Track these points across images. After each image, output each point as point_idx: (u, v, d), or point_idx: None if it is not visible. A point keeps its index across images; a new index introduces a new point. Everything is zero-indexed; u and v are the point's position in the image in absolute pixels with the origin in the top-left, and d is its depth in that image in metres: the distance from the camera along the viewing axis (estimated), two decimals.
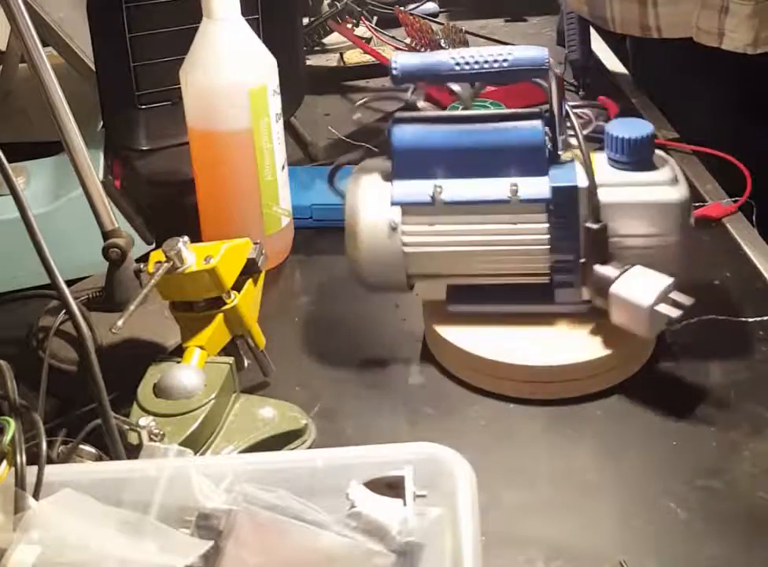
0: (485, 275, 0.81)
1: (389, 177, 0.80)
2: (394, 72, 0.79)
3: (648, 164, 0.78)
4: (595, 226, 0.76)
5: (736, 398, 0.78)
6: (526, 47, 0.80)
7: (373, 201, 0.80)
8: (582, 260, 0.78)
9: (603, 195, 0.76)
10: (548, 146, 0.78)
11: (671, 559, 0.65)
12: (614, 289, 0.76)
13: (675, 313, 0.74)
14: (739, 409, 0.76)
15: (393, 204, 0.79)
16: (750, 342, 0.83)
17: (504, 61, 0.78)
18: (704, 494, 0.69)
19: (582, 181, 0.77)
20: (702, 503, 0.69)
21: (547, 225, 0.78)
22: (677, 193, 0.77)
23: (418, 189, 0.79)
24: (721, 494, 0.69)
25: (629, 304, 0.75)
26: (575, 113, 0.79)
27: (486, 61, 0.78)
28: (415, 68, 0.79)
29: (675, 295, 0.75)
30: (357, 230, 0.80)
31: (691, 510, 0.68)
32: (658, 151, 0.80)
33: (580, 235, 0.77)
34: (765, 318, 0.84)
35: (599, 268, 0.77)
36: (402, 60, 0.79)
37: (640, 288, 0.75)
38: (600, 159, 0.79)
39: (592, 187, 0.76)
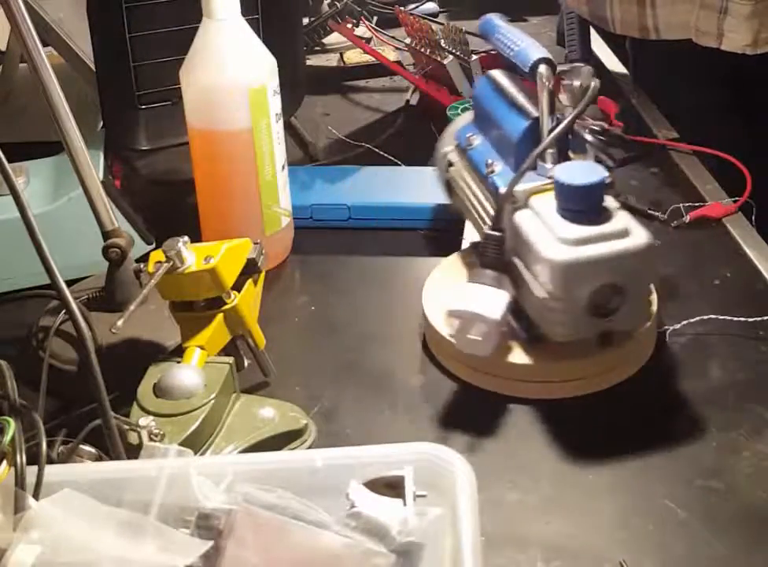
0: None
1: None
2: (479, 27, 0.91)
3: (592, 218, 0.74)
4: (491, 232, 0.78)
5: (736, 398, 0.78)
6: (532, 45, 0.81)
7: (453, 130, 0.92)
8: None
9: (520, 217, 0.76)
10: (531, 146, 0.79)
11: (671, 559, 0.65)
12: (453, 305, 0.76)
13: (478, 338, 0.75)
14: (739, 409, 0.76)
15: (454, 138, 0.91)
16: (750, 342, 0.83)
17: (511, 50, 0.83)
18: (704, 494, 0.69)
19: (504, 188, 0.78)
20: (702, 503, 0.69)
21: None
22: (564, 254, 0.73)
23: (465, 135, 0.88)
24: (721, 494, 0.69)
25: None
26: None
27: (506, 44, 0.84)
28: (483, 28, 0.91)
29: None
30: (440, 147, 0.93)
31: (691, 510, 0.68)
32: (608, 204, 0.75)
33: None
34: (765, 318, 0.84)
35: (479, 270, 0.78)
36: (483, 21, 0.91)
37: (474, 299, 0.75)
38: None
39: (506, 197, 0.77)
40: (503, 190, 0.78)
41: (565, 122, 0.77)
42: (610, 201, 0.75)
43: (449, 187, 0.92)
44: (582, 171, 0.74)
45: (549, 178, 0.77)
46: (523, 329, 0.79)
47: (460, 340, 0.76)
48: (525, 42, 0.82)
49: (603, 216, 0.73)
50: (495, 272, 0.77)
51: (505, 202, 0.77)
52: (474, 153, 0.86)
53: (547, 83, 0.78)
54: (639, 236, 0.73)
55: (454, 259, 0.91)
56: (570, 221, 0.73)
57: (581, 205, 0.73)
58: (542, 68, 0.79)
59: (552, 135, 0.77)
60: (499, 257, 0.77)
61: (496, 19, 0.90)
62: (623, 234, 0.73)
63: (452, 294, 0.77)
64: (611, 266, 0.72)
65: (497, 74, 0.87)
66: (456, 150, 0.90)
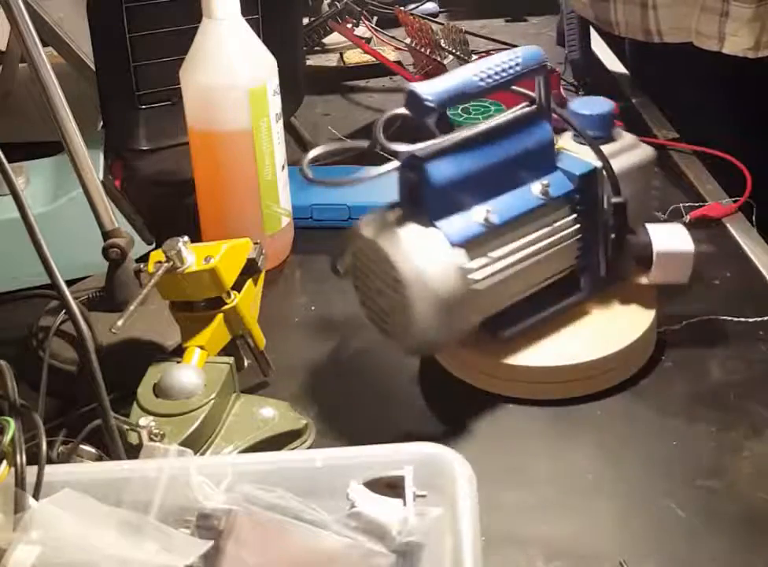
0: (533, 286, 0.79)
1: (423, 222, 0.73)
2: (430, 104, 0.71)
3: (610, 138, 0.84)
4: (620, 199, 0.80)
5: (736, 398, 0.78)
6: (523, 48, 0.80)
7: (428, 252, 0.72)
8: (613, 236, 0.80)
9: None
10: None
11: (671, 559, 0.65)
12: (658, 248, 0.80)
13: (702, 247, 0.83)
14: (739, 409, 0.76)
15: (453, 245, 0.73)
16: (750, 342, 0.83)
17: (517, 65, 0.75)
18: (704, 494, 0.69)
19: (595, 162, 0.80)
20: (702, 503, 0.69)
21: (574, 216, 0.80)
22: (648, 151, 0.85)
23: (466, 222, 0.74)
24: (721, 494, 0.69)
25: (677, 256, 0.81)
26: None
27: (503, 69, 0.75)
28: (447, 95, 0.72)
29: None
30: (421, 289, 0.71)
31: (691, 510, 0.68)
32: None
33: (604, 214, 0.80)
34: (765, 318, 0.85)
35: (632, 238, 0.81)
36: (428, 90, 0.71)
37: (676, 239, 0.82)
38: (565, 139, 0.84)
39: (607, 166, 0.79)
40: (597, 163, 0.80)
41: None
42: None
43: (469, 304, 0.74)
44: (593, 104, 0.85)
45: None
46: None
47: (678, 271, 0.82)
48: (512, 52, 0.77)
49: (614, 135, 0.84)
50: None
51: (611, 166, 0.80)
52: (501, 216, 0.75)
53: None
54: (646, 148, 0.85)
55: None
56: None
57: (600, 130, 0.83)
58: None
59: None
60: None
61: (436, 88, 0.73)
62: (635, 145, 0.85)
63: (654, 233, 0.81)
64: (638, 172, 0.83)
65: (428, 145, 0.73)
66: (465, 254, 0.74)
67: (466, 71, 0.74)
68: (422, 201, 0.73)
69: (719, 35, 1.09)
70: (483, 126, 0.76)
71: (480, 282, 0.74)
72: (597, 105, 0.85)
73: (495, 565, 0.64)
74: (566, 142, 0.83)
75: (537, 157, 0.78)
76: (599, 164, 0.80)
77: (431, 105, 0.71)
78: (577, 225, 0.80)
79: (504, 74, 0.75)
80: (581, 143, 0.82)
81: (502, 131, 0.77)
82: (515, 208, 0.76)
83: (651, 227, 0.81)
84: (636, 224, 0.81)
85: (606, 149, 0.81)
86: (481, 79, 0.74)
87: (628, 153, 0.83)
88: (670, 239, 0.81)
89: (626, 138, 0.85)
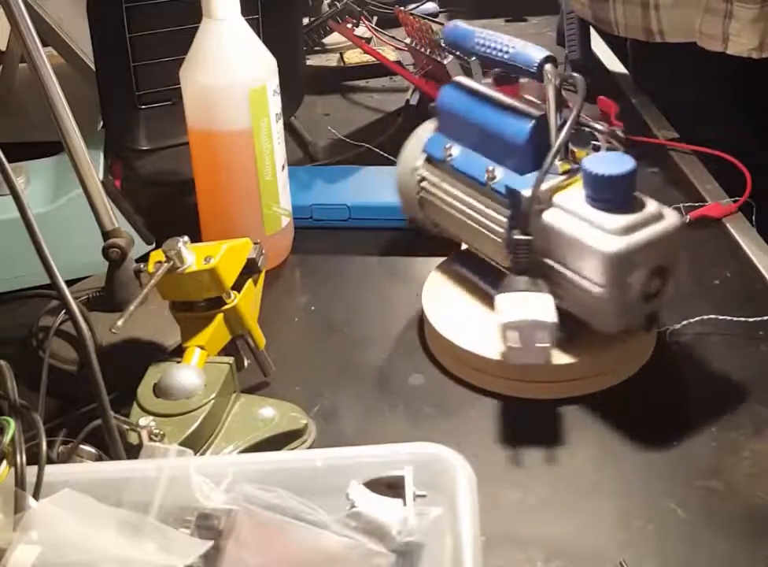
0: (468, 243, 0.88)
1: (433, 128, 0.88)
2: (445, 39, 0.90)
3: (625, 207, 0.74)
4: (521, 237, 0.76)
5: (736, 398, 0.78)
6: (529, 46, 0.80)
7: (414, 145, 0.89)
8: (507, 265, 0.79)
9: (555, 218, 0.75)
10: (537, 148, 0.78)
11: (671, 559, 0.65)
12: (497, 297, 0.75)
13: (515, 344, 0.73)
14: (739, 409, 0.76)
15: (422, 151, 0.87)
16: (750, 342, 0.83)
17: (506, 53, 0.81)
18: (704, 494, 0.69)
19: (528, 190, 0.76)
20: (702, 503, 0.69)
21: (506, 219, 0.79)
22: (615, 244, 0.72)
23: (440, 145, 0.86)
24: (721, 494, 0.69)
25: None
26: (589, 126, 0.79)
27: (495, 48, 0.82)
28: (453, 37, 0.88)
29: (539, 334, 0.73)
30: (400, 164, 0.90)
31: (691, 510, 0.68)
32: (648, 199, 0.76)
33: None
34: (765, 318, 0.84)
35: (512, 278, 0.76)
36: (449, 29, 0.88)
37: (516, 307, 0.74)
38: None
39: (532, 200, 0.76)
40: (526, 192, 0.76)
41: (572, 116, 0.77)
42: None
43: (421, 203, 0.89)
44: (611, 161, 0.75)
45: (563, 174, 0.77)
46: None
47: (520, 352, 0.74)
48: (518, 43, 0.81)
49: (633, 203, 0.74)
50: (529, 277, 0.76)
51: (532, 204, 0.76)
52: (459, 164, 0.84)
53: (554, 80, 0.78)
54: (671, 217, 0.75)
55: (453, 259, 0.91)
56: (605, 212, 0.74)
57: (615, 195, 0.74)
58: (548, 67, 0.79)
59: (565, 129, 0.76)
60: (530, 261, 0.76)
61: (463, 24, 0.88)
62: (659, 217, 0.74)
63: (499, 306, 0.75)
64: (658, 249, 0.74)
65: (466, 80, 0.87)
66: (427, 164, 0.87)
67: (477, 32, 0.86)
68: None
69: (723, 36, 1.09)
70: (500, 94, 0.84)
71: (422, 191, 0.88)
72: (616, 162, 0.74)
73: (495, 565, 0.64)
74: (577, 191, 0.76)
75: (508, 148, 0.80)
76: (527, 193, 0.76)
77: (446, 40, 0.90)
78: (503, 229, 0.79)
79: (494, 53, 0.82)
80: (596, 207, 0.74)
81: (498, 104, 0.82)
82: (467, 167, 0.83)
83: (528, 293, 0.75)
84: (596, 319, 0.76)
85: (630, 219, 0.73)
86: (477, 43, 0.85)
87: (648, 226, 0.73)
88: (516, 302, 0.74)
89: (649, 207, 0.74)
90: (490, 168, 0.80)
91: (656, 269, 0.74)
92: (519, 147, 0.79)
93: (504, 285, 0.76)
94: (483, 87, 0.85)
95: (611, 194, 0.74)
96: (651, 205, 0.75)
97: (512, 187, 0.78)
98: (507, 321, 0.73)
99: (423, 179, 0.87)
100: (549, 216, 0.76)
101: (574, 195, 0.76)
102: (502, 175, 0.80)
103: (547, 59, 0.79)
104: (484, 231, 0.82)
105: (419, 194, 0.88)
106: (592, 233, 0.73)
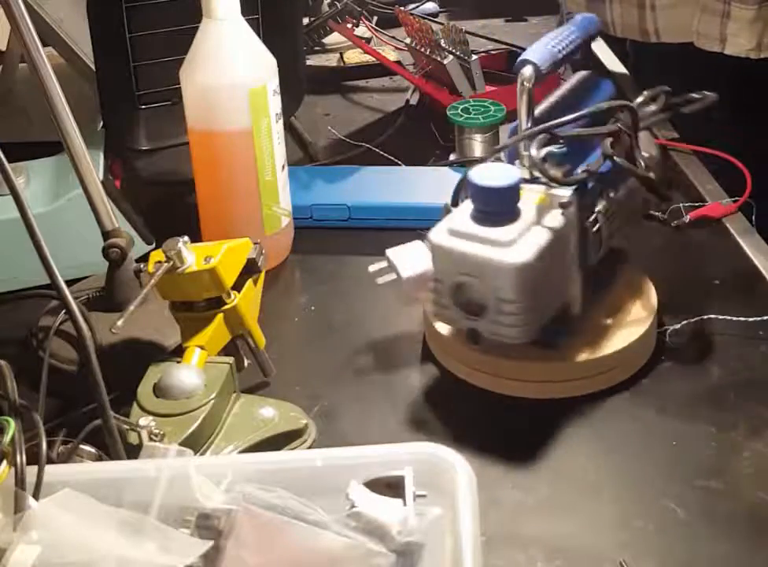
0: None
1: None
2: (542, 70, 0.78)
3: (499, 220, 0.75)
4: None
5: (736, 398, 0.78)
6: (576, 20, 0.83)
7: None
8: None
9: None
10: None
11: (671, 559, 0.65)
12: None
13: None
14: (739, 409, 0.76)
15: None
16: (750, 342, 0.83)
17: (576, 36, 0.83)
18: (704, 494, 0.69)
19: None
20: (702, 503, 0.69)
21: None
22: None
23: None
24: (721, 494, 0.69)
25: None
26: None
27: (570, 41, 0.82)
28: (549, 62, 0.80)
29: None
30: None
31: (691, 510, 0.68)
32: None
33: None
34: (765, 318, 0.84)
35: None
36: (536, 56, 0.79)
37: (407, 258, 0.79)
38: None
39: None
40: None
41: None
42: (527, 212, 0.75)
43: None
44: (497, 173, 0.75)
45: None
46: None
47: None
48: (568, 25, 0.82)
49: (507, 221, 0.74)
50: None
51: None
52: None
53: (527, 85, 0.78)
54: (517, 254, 0.72)
55: None
56: (477, 222, 0.75)
57: (487, 207, 0.75)
58: (525, 70, 0.78)
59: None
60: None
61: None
62: (506, 244, 0.73)
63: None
64: (472, 266, 0.74)
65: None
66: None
67: (547, 40, 0.82)
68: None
69: (720, 36, 1.09)
70: None
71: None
72: (499, 175, 0.74)
73: (495, 565, 0.64)
74: None
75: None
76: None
77: (543, 71, 0.79)
78: None
79: (571, 45, 0.82)
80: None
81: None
82: None
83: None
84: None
85: (473, 228, 0.74)
86: (558, 51, 0.81)
87: (489, 246, 0.73)
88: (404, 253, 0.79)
89: (510, 232, 0.73)
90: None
91: (466, 286, 0.75)
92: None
93: None
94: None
95: (481, 205, 0.75)
96: (512, 233, 0.74)
97: None
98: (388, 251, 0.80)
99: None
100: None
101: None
102: None
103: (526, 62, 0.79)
104: None
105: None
106: (442, 229, 0.76)
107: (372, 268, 0.82)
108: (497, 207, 0.75)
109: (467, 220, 0.76)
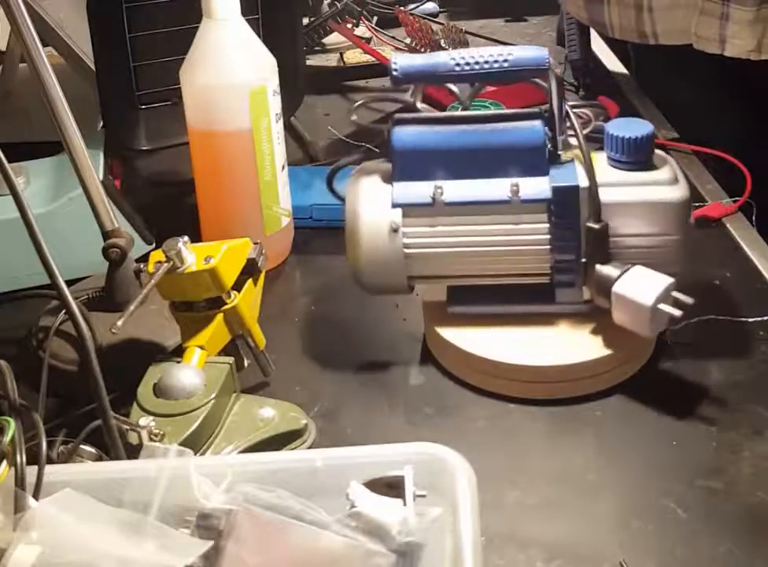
0: (486, 275, 0.81)
1: (389, 179, 0.80)
2: (395, 73, 0.78)
3: (648, 164, 0.78)
4: (596, 226, 0.76)
5: (736, 398, 0.78)
6: (525, 47, 0.80)
7: (373, 203, 0.79)
8: (583, 260, 0.78)
9: (604, 195, 0.76)
10: (548, 146, 0.78)
11: (671, 559, 0.65)
12: (616, 288, 0.76)
13: (677, 312, 0.74)
14: (739, 409, 0.76)
15: (394, 206, 0.79)
16: (750, 342, 0.83)
17: (505, 61, 0.78)
18: (704, 494, 0.69)
19: (583, 181, 0.76)
20: (702, 503, 0.69)
21: (548, 225, 0.78)
22: (677, 192, 0.77)
23: (419, 190, 0.79)
24: (721, 494, 0.69)
25: (632, 303, 0.75)
26: (575, 113, 0.79)
27: (486, 62, 0.78)
28: (415, 70, 0.79)
29: (676, 294, 0.75)
30: (357, 232, 0.79)
31: (691, 510, 0.68)
32: (658, 151, 0.79)
33: (581, 234, 0.77)
34: (765, 318, 0.84)
35: (600, 268, 0.77)
36: (402, 61, 0.79)
37: (642, 287, 0.75)
38: (600, 159, 0.78)
39: (593, 187, 0.76)
40: (583, 182, 0.76)
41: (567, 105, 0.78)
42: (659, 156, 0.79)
43: (408, 264, 0.79)
44: (633, 125, 0.78)
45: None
46: None
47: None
48: (508, 49, 0.79)
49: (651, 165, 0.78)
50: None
51: (596, 189, 0.76)
52: (458, 197, 0.78)
53: (557, 70, 0.78)
54: (682, 187, 0.77)
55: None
56: (640, 171, 0.77)
57: (641, 156, 0.77)
58: (552, 61, 0.78)
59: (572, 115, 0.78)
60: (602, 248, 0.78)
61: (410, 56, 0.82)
62: (670, 182, 0.77)
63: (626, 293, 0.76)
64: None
65: (411, 115, 0.81)
66: (407, 218, 0.79)
67: (445, 54, 0.79)
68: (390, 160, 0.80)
69: (720, 38, 1.09)
70: (475, 113, 0.80)
71: (411, 247, 0.79)
72: (635, 126, 0.78)
73: (495, 565, 0.64)
74: (599, 158, 0.79)
75: (521, 156, 0.78)
76: (585, 183, 0.76)
77: (396, 74, 0.79)
78: (548, 236, 0.77)
79: (487, 66, 0.78)
80: (616, 167, 0.78)
81: (486, 121, 0.79)
82: (472, 195, 0.78)
83: (636, 269, 0.76)
84: (669, 267, 0.77)
85: (634, 177, 0.77)
86: (457, 64, 0.78)
87: (660, 187, 0.77)
88: (636, 284, 0.75)
89: (665, 171, 0.78)
90: (513, 182, 0.77)
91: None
92: (536, 149, 0.78)
93: (598, 279, 0.77)
94: (432, 111, 0.83)
95: (638, 155, 0.77)
96: (667, 170, 0.78)
97: (564, 185, 0.77)
98: (652, 303, 0.74)
99: (406, 235, 0.79)
100: (603, 194, 0.76)
101: (597, 170, 0.77)
102: (524, 184, 0.77)
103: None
104: (520, 248, 0.78)
105: (407, 253, 0.79)
106: (651, 190, 0.77)
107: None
108: (640, 156, 0.77)
109: (650, 174, 0.77)
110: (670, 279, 0.75)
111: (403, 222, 0.79)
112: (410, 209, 0.79)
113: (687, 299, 0.75)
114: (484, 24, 1.58)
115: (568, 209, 0.77)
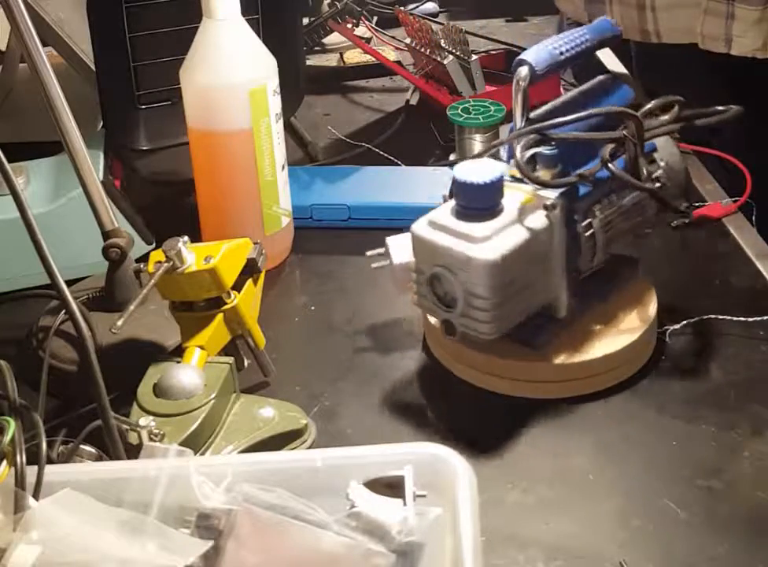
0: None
1: None
2: (537, 71, 0.78)
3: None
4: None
5: (736, 398, 0.78)
6: (593, 23, 0.83)
7: None
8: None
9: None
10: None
11: (671, 559, 0.65)
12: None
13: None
14: (739, 409, 0.76)
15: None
16: (750, 342, 0.83)
17: (585, 39, 0.81)
18: (704, 494, 0.69)
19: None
20: (702, 503, 0.69)
21: None
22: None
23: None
24: (721, 494, 0.69)
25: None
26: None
27: (576, 44, 0.80)
28: (547, 63, 0.79)
29: None
30: None
31: (691, 510, 0.68)
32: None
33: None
34: (765, 318, 0.84)
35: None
36: (533, 57, 0.78)
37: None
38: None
39: None
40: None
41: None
42: (510, 210, 0.75)
43: None
44: (481, 169, 0.75)
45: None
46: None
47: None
48: (578, 29, 0.82)
49: (487, 217, 0.74)
50: None
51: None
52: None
53: (522, 85, 0.78)
54: (489, 251, 0.72)
55: None
56: (456, 217, 0.75)
57: (467, 202, 0.75)
58: (521, 69, 0.78)
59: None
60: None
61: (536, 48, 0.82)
62: (480, 240, 0.73)
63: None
64: (446, 259, 0.74)
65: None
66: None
67: (544, 46, 0.80)
68: None
69: (726, 37, 1.09)
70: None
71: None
72: (485, 170, 0.74)
73: (495, 565, 0.64)
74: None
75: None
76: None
77: (537, 71, 0.78)
78: None
79: (577, 48, 0.80)
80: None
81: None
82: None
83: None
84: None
85: (452, 222, 0.75)
86: (560, 53, 0.80)
87: (463, 241, 0.73)
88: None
89: (486, 229, 0.73)
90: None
91: (439, 278, 0.76)
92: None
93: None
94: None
95: (464, 201, 0.75)
96: (487, 230, 0.73)
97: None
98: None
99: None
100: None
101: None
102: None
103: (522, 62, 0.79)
104: None
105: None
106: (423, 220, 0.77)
107: (369, 252, 0.86)
108: (477, 203, 0.75)
109: (447, 214, 0.76)
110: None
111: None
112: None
113: None
114: (484, 24, 1.58)
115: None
